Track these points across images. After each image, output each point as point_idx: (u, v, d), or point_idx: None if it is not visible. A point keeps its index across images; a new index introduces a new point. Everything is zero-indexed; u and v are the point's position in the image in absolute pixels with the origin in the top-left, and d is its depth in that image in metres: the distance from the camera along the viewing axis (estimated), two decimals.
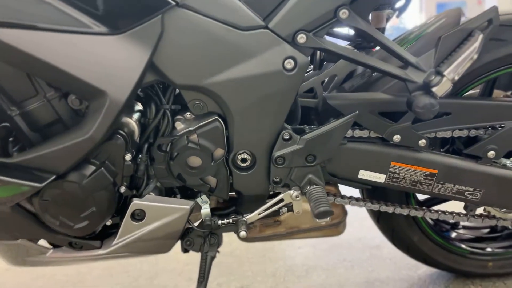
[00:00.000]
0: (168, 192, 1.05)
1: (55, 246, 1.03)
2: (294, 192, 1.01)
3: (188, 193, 1.08)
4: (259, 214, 1.02)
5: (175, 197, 1.05)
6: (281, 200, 1.02)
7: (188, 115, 0.98)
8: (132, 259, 1.58)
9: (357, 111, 0.97)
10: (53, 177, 0.84)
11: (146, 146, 0.97)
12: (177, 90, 0.98)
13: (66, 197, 0.88)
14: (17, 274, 1.58)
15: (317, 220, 0.91)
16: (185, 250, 1.10)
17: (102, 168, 0.89)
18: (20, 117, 0.89)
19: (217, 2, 0.88)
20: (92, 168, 0.89)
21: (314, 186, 0.98)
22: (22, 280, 1.54)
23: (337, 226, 1.21)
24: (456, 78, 0.91)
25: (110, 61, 0.82)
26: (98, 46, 0.82)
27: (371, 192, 1.22)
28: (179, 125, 0.98)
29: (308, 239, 1.25)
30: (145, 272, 1.54)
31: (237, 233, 0.98)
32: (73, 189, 0.88)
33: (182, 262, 1.57)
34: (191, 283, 1.46)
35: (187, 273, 1.52)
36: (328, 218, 0.91)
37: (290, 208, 1.06)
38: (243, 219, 1.02)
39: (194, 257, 1.57)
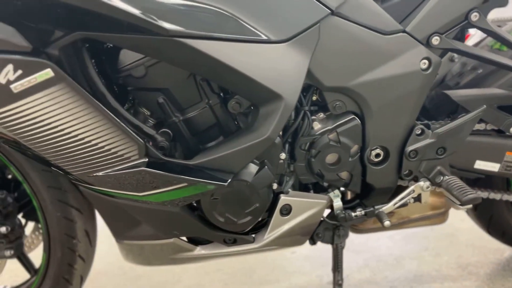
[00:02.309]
0: (301, 187, 1.12)
1: (195, 243, 1.09)
2: (424, 184, 1.08)
3: (317, 188, 1.15)
4: (395, 204, 1.10)
5: (308, 192, 1.12)
6: (412, 192, 1.10)
7: (321, 115, 1.05)
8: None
9: (484, 106, 1.05)
10: (233, 175, 0.91)
11: (287, 145, 1.05)
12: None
13: (234, 195, 0.95)
14: (113, 277, 1.63)
15: (461, 207, 0.99)
16: (313, 242, 1.17)
17: (266, 167, 0.96)
18: (182, 123, 0.96)
19: (365, 9, 0.96)
20: (256, 167, 0.96)
21: (447, 176, 1.06)
22: (121, 282, 1.59)
23: (443, 214, 1.29)
24: None
25: (282, 67, 0.89)
26: (272, 53, 0.89)
27: (472, 181, 1.30)
28: (316, 125, 1.05)
29: None
30: (240, 269, 1.60)
31: (382, 223, 1.06)
32: (241, 187, 0.94)
33: (277, 258, 1.64)
34: (290, 275, 1.54)
35: (281, 268, 1.59)
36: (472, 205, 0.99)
37: (415, 198, 1.13)
38: (381, 210, 1.09)
39: (280, 253, 1.66)
